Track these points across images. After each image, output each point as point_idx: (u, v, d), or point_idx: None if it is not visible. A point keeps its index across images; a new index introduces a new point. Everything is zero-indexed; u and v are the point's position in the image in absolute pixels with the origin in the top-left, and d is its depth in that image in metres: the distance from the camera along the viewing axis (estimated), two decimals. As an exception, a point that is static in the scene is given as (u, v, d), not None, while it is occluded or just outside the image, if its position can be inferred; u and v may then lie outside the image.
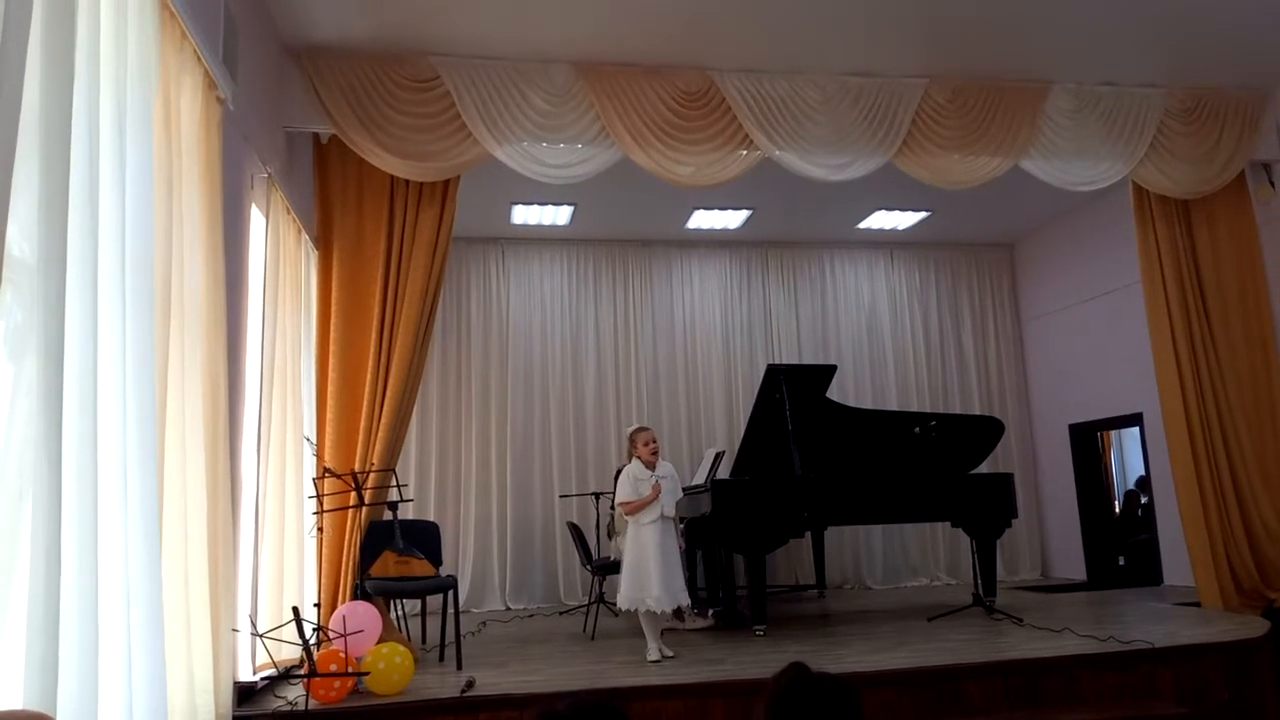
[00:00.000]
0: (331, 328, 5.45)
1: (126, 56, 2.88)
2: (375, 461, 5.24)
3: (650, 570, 5.00)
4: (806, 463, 6.17)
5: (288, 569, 4.97)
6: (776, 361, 8.75)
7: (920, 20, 5.48)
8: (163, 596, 2.96)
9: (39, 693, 2.13)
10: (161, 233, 3.16)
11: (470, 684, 4.35)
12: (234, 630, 3.97)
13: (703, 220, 8.50)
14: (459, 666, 4.88)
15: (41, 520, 2.18)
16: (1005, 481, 6.42)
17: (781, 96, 5.89)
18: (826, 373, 6.61)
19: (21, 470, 2.17)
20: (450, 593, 5.16)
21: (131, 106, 2.91)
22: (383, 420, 5.31)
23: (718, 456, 6.95)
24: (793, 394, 6.21)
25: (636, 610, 5.05)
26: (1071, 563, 8.82)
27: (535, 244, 8.86)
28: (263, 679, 4.44)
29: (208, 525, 3.49)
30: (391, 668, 4.25)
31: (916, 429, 6.54)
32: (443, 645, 5.31)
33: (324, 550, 5.14)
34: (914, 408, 9.02)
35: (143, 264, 2.93)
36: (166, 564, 3.10)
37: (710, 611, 6.53)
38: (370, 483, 5.13)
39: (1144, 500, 8.51)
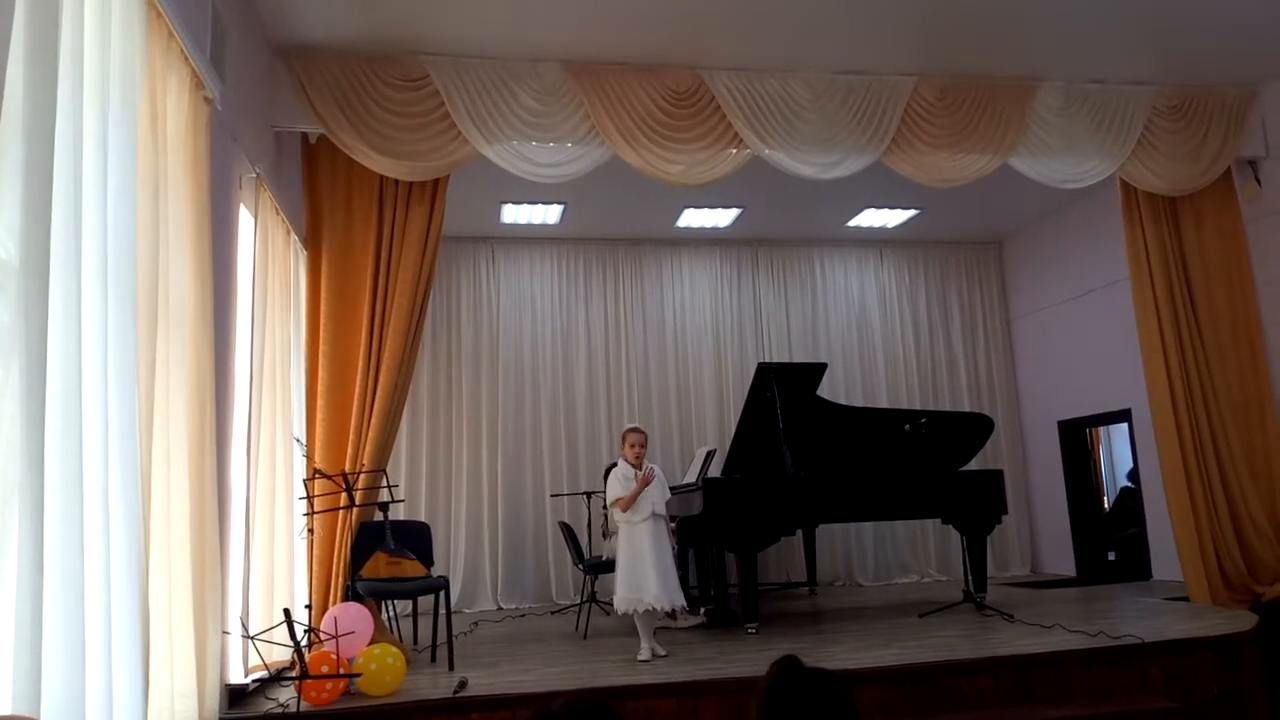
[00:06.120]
0: (321, 328, 5.43)
1: (111, 55, 2.86)
2: (366, 462, 5.23)
3: (647, 569, 5.00)
4: (797, 461, 6.18)
5: (278, 570, 4.95)
6: (767, 360, 8.75)
7: (909, 18, 5.49)
8: (144, 600, 2.94)
9: (26, 696, 2.11)
10: (147, 233, 3.14)
11: (462, 684, 4.34)
12: (224, 633, 3.95)
13: (693, 219, 8.50)
14: (451, 667, 4.87)
15: (27, 525, 2.16)
16: (995, 478, 6.44)
17: (771, 95, 5.90)
18: (817, 371, 6.62)
19: (5, 474, 2.15)
20: (442, 593, 5.16)
21: (116, 106, 2.89)
22: (373, 420, 5.29)
23: (709, 455, 6.96)
24: (783, 392, 6.22)
25: (633, 611, 5.04)
26: (1061, 558, 8.86)
27: (525, 243, 8.85)
28: (254, 681, 4.42)
29: (192, 528, 3.47)
30: (383, 669, 4.24)
31: (907, 426, 6.56)
32: (434, 646, 5.30)
33: (315, 551, 5.12)
34: (904, 405, 9.05)
35: (126, 265, 2.91)
36: (150, 567, 3.09)
37: (702, 610, 6.54)
38: (361, 483, 5.11)
39: (1129, 485, 8.56)
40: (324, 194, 5.61)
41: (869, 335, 9.36)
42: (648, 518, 5.10)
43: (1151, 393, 6.45)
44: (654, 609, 5.00)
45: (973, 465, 6.93)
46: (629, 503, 5.09)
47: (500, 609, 7.97)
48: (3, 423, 2.16)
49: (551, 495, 8.34)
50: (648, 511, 5.10)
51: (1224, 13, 5.59)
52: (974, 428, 6.86)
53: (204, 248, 3.72)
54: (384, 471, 5.26)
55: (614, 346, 8.85)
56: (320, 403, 5.34)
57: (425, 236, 5.58)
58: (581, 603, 6.43)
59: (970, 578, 6.39)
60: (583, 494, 7.99)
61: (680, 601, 5.17)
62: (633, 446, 5.26)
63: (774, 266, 9.33)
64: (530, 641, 5.96)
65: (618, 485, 5.18)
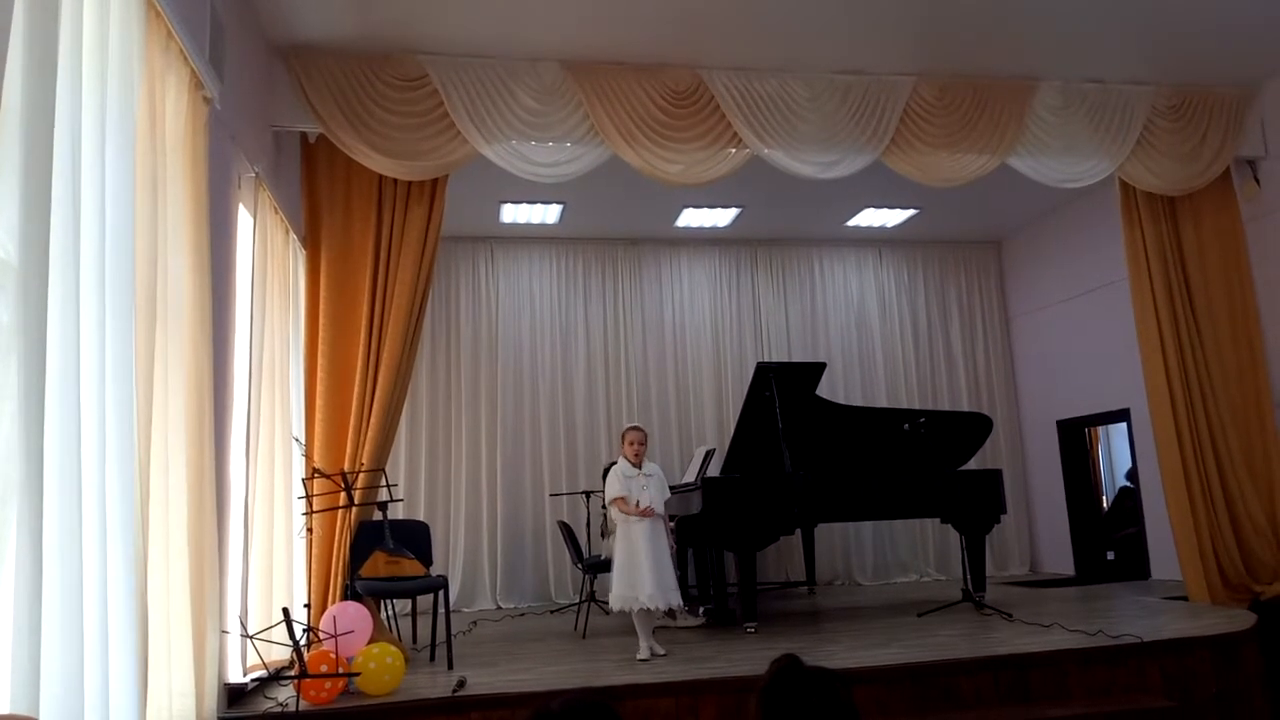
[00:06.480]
0: (320, 327, 5.42)
1: (110, 55, 2.86)
2: (365, 461, 5.23)
3: (642, 568, 5.01)
4: (796, 460, 6.18)
5: (277, 570, 4.95)
6: (766, 359, 8.75)
7: (908, 18, 5.49)
8: (142, 599, 2.93)
9: (25, 695, 2.11)
10: (145, 233, 3.14)
11: (461, 683, 4.34)
12: (224, 632, 3.95)
13: (692, 218, 8.50)
14: (450, 666, 4.88)
15: (25, 525, 2.16)
16: (994, 477, 6.44)
17: (770, 94, 5.90)
18: (816, 370, 6.62)
19: (4, 474, 2.15)
20: (441, 592, 5.16)
21: (115, 105, 2.89)
22: (372, 420, 5.29)
23: (708, 454, 6.96)
24: (782, 392, 6.22)
25: (629, 609, 5.06)
26: (1060, 558, 8.87)
27: (524, 243, 8.84)
28: (253, 680, 4.42)
29: (190, 528, 3.46)
30: (382, 668, 4.24)
31: (905, 426, 6.56)
32: (434, 645, 5.30)
33: (314, 551, 5.12)
34: (903, 405, 9.05)
35: (125, 265, 2.91)
36: (149, 566, 3.08)
37: (701, 609, 6.54)
38: (360, 483, 5.12)
39: (1127, 485, 8.56)
40: (323, 193, 5.60)
41: (868, 335, 9.36)
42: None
43: (1150, 392, 6.45)
44: (648, 608, 5.01)
45: (972, 465, 6.93)
46: (625, 511, 5.12)
47: (499, 608, 7.97)
48: (2, 422, 2.16)
49: (550, 494, 8.34)
50: (645, 511, 5.12)
51: (1223, 13, 5.59)
52: (973, 427, 6.86)
53: (203, 247, 3.72)
54: (383, 471, 5.26)
55: (613, 346, 8.85)
56: (319, 402, 5.34)
57: (424, 236, 5.58)
58: (580, 602, 6.44)
59: (969, 577, 6.39)
60: (582, 493, 7.99)
61: (677, 600, 5.17)
62: (632, 444, 5.28)
63: (773, 266, 9.33)
64: (529, 641, 5.96)
65: (616, 483, 5.20)
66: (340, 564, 5.08)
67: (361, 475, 5.15)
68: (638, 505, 5.09)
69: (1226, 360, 6.47)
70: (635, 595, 5.00)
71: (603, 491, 5.63)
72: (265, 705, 4.07)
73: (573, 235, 8.81)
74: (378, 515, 5.15)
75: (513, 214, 8.14)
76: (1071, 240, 8.64)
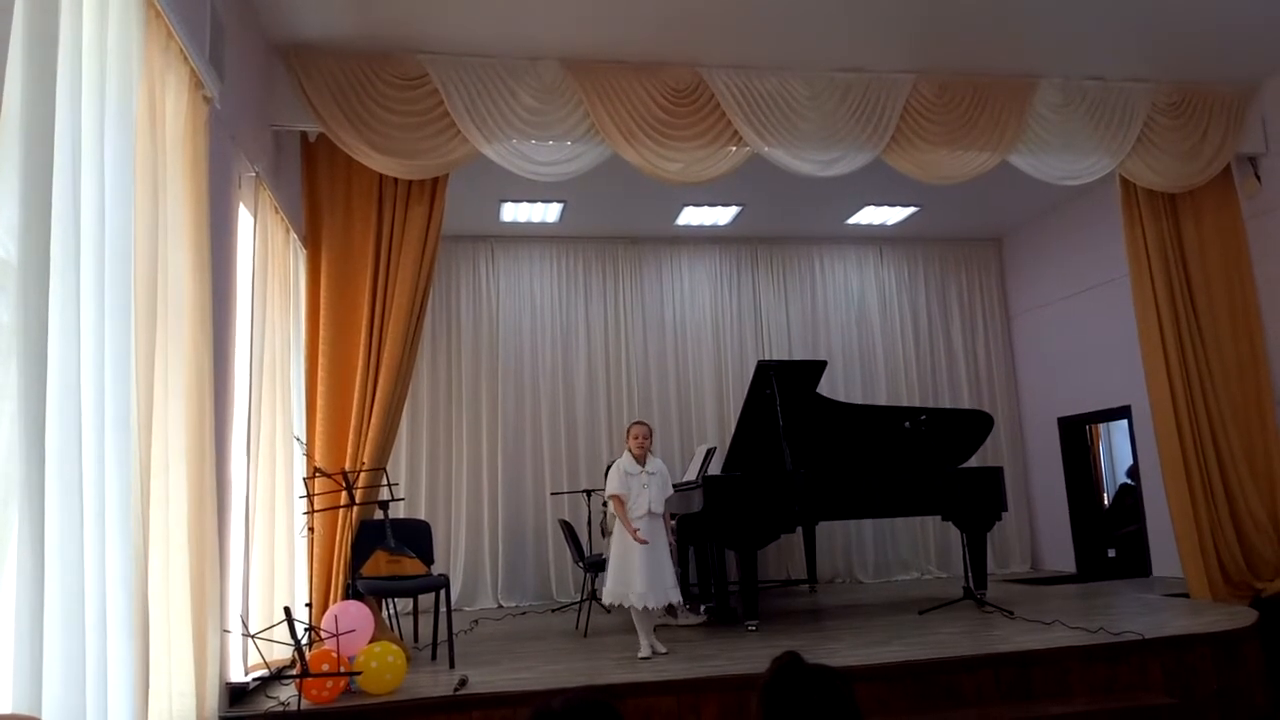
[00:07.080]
0: (321, 327, 5.43)
1: (109, 55, 2.86)
2: (366, 460, 5.23)
3: (635, 566, 5.02)
4: (797, 458, 6.18)
5: (279, 569, 4.96)
6: (767, 357, 8.76)
7: (908, 16, 5.49)
8: (143, 599, 2.94)
9: (27, 695, 2.12)
10: (146, 232, 3.14)
11: (463, 682, 4.35)
12: (225, 631, 3.96)
13: (692, 217, 8.50)
14: (451, 665, 4.88)
15: (26, 525, 2.16)
16: (995, 475, 6.44)
17: (770, 92, 5.90)
18: (817, 368, 6.62)
19: (6, 474, 2.15)
20: (442, 591, 5.17)
21: (115, 105, 2.89)
22: (373, 419, 5.30)
23: (709, 453, 6.96)
24: (783, 390, 6.22)
25: (626, 606, 5.06)
26: (1061, 555, 8.87)
27: (525, 241, 8.84)
28: (254, 679, 4.42)
29: (191, 527, 3.47)
30: (384, 667, 4.24)
31: (906, 423, 6.56)
32: (435, 644, 5.30)
33: (315, 550, 5.12)
34: (904, 402, 9.05)
35: (125, 265, 2.91)
36: (150, 566, 3.08)
37: (702, 608, 6.54)
38: (361, 482, 5.12)
39: (1128, 482, 8.56)
40: (323, 193, 5.60)
41: (869, 333, 9.36)
42: (643, 515, 5.10)
43: (1151, 389, 6.45)
44: (638, 607, 5.01)
45: (973, 462, 6.93)
46: (621, 512, 5.14)
47: (501, 607, 7.97)
48: (2, 422, 2.16)
49: (551, 493, 8.34)
50: (644, 509, 5.11)
51: (1223, 11, 5.59)
52: (974, 425, 6.86)
53: (203, 247, 3.72)
54: (384, 470, 5.27)
55: (614, 345, 8.85)
56: (320, 401, 5.34)
57: (425, 235, 5.58)
58: (582, 600, 6.44)
59: (970, 574, 6.39)
60: (583, 492, 7.99)
61: (676, 598, 5.17)
62: (635, 438, 5.29)
63: (774, 264, 9.33)
64: (530, 639, 5.96)
65: (616, 480, 5.21)
66: (341, 563, 5.09)
67: (362, 474, 5.15)
68: (636, 532, 5.08)
69: (1227, 357, 6.47)
70: (626, 592, 5.02)
71: (603, 490, 5.63)
72: (267, 704, 4.08)
73: (573, 234, 8.81)
74: (379, 514, 5.15)
75: (513, 213, 8.14)
76: (1072, 237, 8.64)
